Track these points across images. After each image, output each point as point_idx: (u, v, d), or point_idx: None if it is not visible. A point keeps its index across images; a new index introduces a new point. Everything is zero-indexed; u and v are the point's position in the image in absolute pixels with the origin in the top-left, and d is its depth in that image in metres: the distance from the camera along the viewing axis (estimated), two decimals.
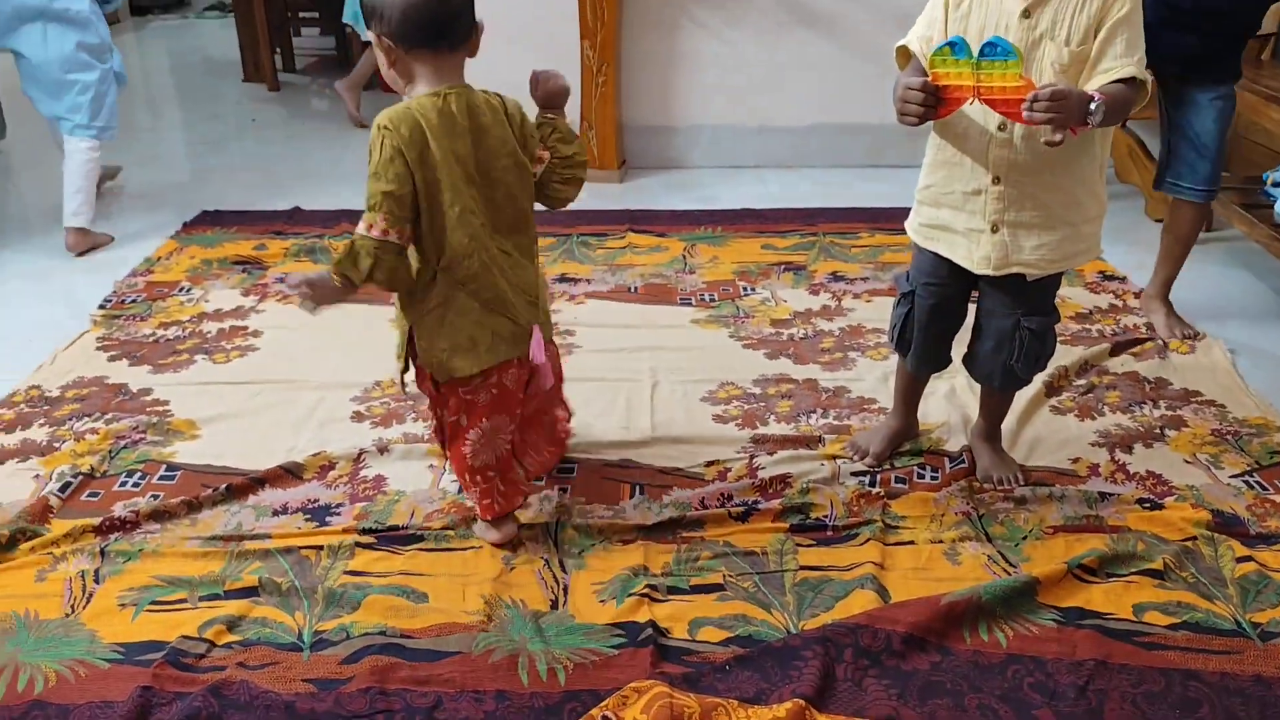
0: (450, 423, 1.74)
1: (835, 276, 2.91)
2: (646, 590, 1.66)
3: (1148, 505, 1.89)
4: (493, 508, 1.78)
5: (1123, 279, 2.87)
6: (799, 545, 1.79)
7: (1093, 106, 1.48)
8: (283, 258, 2.99)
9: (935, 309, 1.88)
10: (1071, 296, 2.73)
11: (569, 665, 1.52)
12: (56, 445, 2.07)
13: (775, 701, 1.44)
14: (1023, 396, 2.13)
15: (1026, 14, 1.60)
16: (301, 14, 5.86)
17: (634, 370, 2.39)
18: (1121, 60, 1.56)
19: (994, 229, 1.72)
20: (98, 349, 2.49)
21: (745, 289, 2.83)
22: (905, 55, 1.72)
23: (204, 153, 4.27)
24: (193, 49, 6.44)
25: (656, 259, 3.03)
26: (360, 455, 2.03)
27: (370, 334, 2.48)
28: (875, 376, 2.36)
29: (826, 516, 1.86)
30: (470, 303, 1.65)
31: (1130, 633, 1.58)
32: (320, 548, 1.76)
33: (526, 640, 1.57)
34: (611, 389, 2.31)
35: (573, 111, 3.68)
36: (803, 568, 1.73)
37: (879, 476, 1.98)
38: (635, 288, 2.84)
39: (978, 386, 2.01)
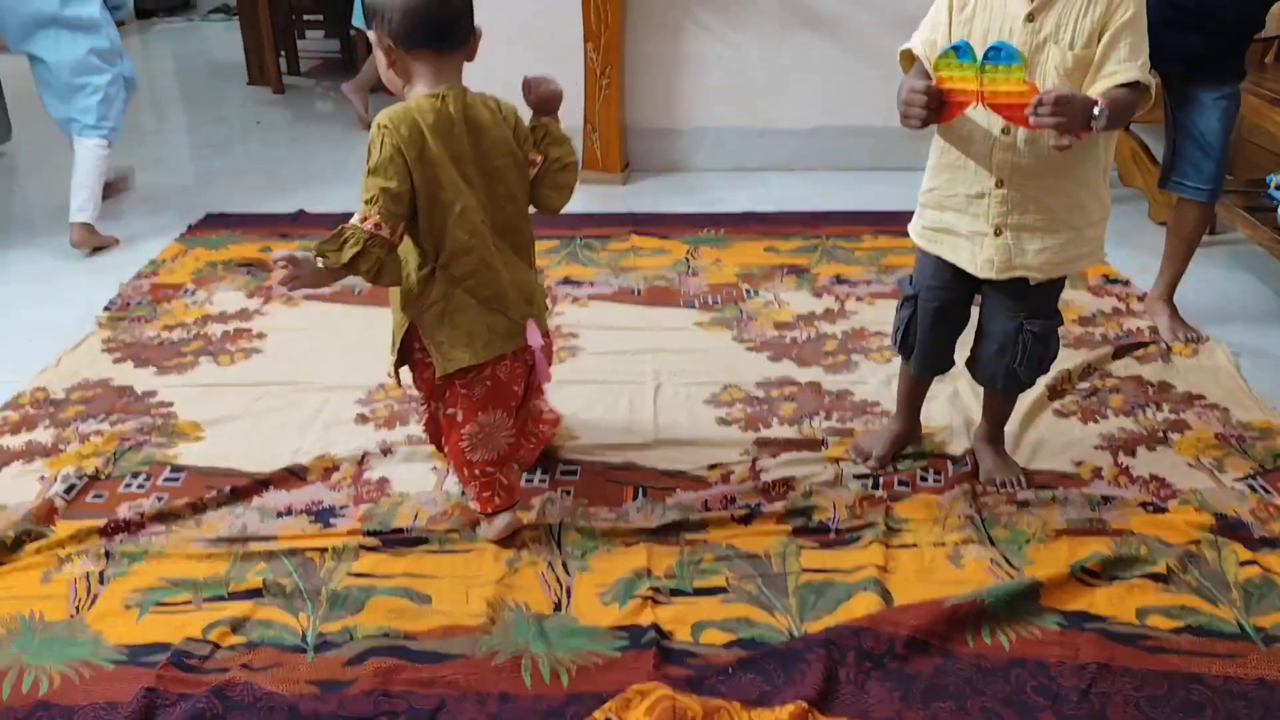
0: (447, 416, 1.76)
1: (838, 279, 2.91)
2: (649, 593, 1.66)
3: (1151, 509, 1.89)
4: (493, 500, 1.79)
5: (1126, 282, 2.87)
6: (802, 548, 1.79)
7: (1096, 111, 1.48)
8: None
9: (938, 312, 1.88)
10: (1074, 300, 2.73)
11: (572, 668, 1.52)
12: (61, 447, 2.08)
13: (778, 704, 1.44)
14: (1025, 399, 2.13)
15: (1030, 18, 1.60)
16: (306, 17, 5.88)
17: (637, 373, 2.39)
18: (1125, 64, 1.56)
19: (997, 232, 1.72)
20: (103, 351, 2.49)
21: (748, 291, 2.84)
22: (909, 59, 1.73)
23: (209, 155, 4.28)
24: (197, 52, 6.46)
25: (660, 261, 3.04)
26: (364, 457, 2.03)
27: (374, 336, 2.47)
28: (878, 379, 2.36)
29: (829, 519, 1.86)
30: (468, 299, 1.68)
31: (1133, 636, 1.58)
32: (325, 549, 1.77)
33: (530, 642, 1.57)
34: (614, 391, 2.31)
35: (576, 114, 3.70)
36: (806, 570, 1.73)
37: (882, 479, 1.99)
38: (638, 290, 2.85)
39: (980, 389, 2.01)
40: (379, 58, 1.64)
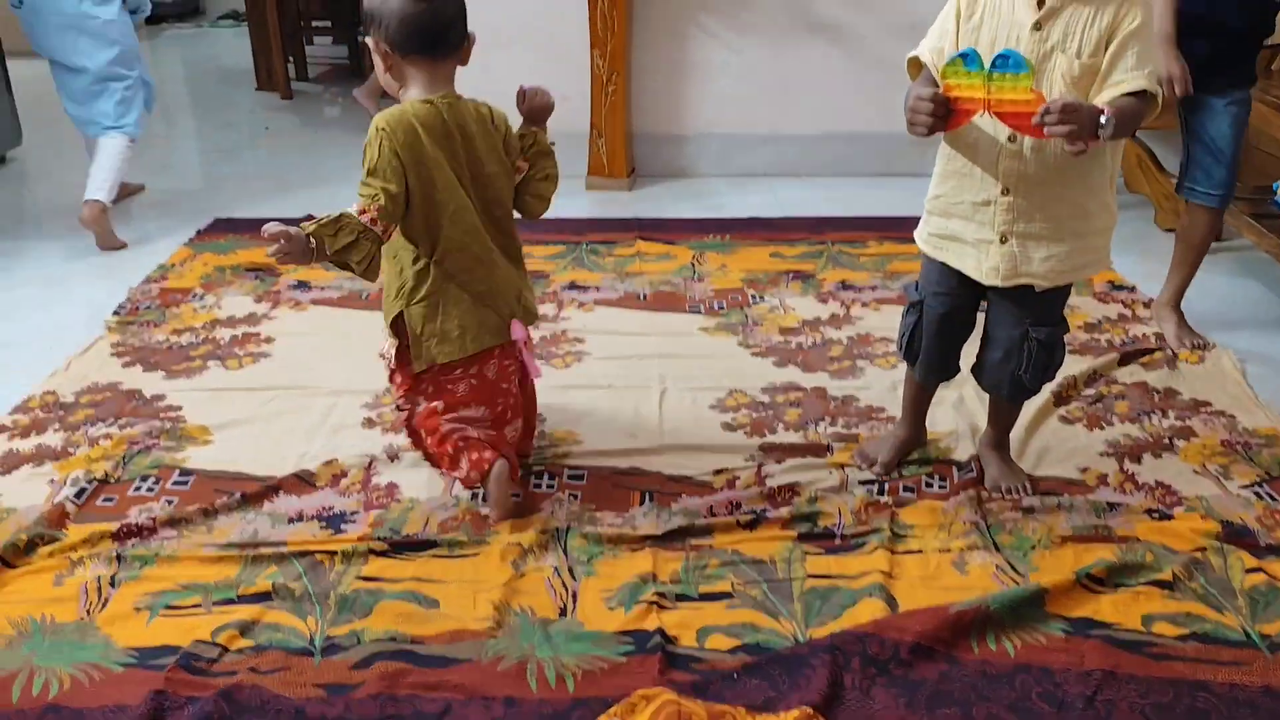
0: (429, 408, 1.83)
1: (844, 285, 2.91)
2: (655, 598, 1.67)
3: (1157, 515, 1.89)
4: (483, 463, 1.81)
5: (1132, 289, 2.87)
6: (807, 553, 1.79)
7: (1103, 120, 1.49)
8: (295, 265, 3.01)
9: (944, 318, 1.88)
10: (1080, 306, 2.73)
11: (577, 672, 1.53)
12: (71, 450, 2.09)
13: (783, 709, 1.44)
14: (1031, 406, 2.13)
15: (1038, 26, 1.60)
16: (314, 23, 5.90)
17: (643, 378, 2.40)
18: (1132, 73, 1.56)
19: (1003, 240, 1.72)
20: (112, 355, 2.51)
21: (754, 297, 2.84)
22: (917, 66, 1.73)
23: (217, 161, 4.30)
24: (206, 57, 6.49)
25: (665, 267, 3.04)
26: (371, 463, 2.04)
27: (380, 341, 2.49)
28: (884, 385, 2.36)
29: (835, 525, 1.87)
30: (461, 293, 1.77)
31: (1139, 643, 1.58)
32: (334, 553, 1.77)
33: (535, 647, 1.58)
34: (620, 396, 2.32)
35: (582, 120, 3.71)
36: (811, 576, 1.74)
37: (887, 485, 1.99)
38: (644, 295, 2.86)
39: (986, 395, 2.01)
40: (377, 61, 1.73)
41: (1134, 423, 2.21)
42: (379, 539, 1.81)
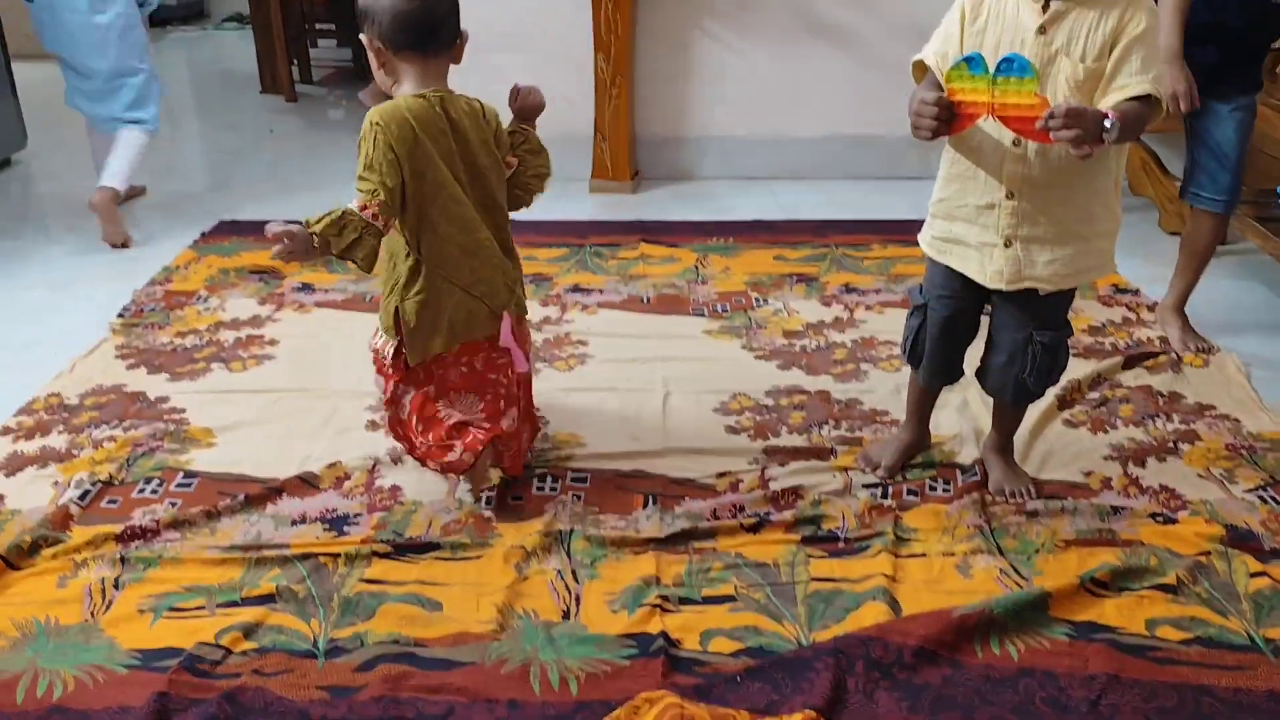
0: (421, 395, 1.86)
1: (847, 288, 2.91)
2: (658, 601, 1.67)
3: (1161, 519, 1.89)
4: (478, 444, 1.84)
5: (1136, 292, 2.87)
6: (810, 557, 1.79)
7: (1107, 124, 1.49)
8: (299, 268, 3.02)
9: (948, 322, 1.88)
10: (1084, 309, 2.73)
11: (581, 675, 1.53)
12: (75, 452, 2.10)
13: (786, 713, 1.44)
14: (1035, 409, 2.13)
15: (1042, 30, 1.60)
16: (318, 26, 5.92)
17: (646, 380, 2.40)
18: (1137, 77, 1.56)
19: (1007, 243, 1.72)
20: (116, 357, 2.51)
21: (757, 300, 2.84)
22: (921, 69, 1.73)
23: (222, 163, 4.31)
24: (211, 60, 6.51)
25: (669, 270, 3.05)
26: (374, 465, 2.05)
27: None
28: (887, 388, 2.36)
29: (838, 528, 1.86)
30: (452, 287, 1.79)
31: (1143, 647, 1.58)
32: (338, 555, 1.78)
33: (538, 650, 1.58)
34: (623, 399, 2.32)
35: (586, 123, 3.72)
36: (814, 579, 1.74)
37: (891, 489, 1.99)
38: (648, 298, 2.86)
39: (990, 399, 2.01)
40: (371, 58, 1.76)
41: (1138, 426, 2.21)
42: (382, 541, 1.81)
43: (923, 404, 2.05)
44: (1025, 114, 1.53)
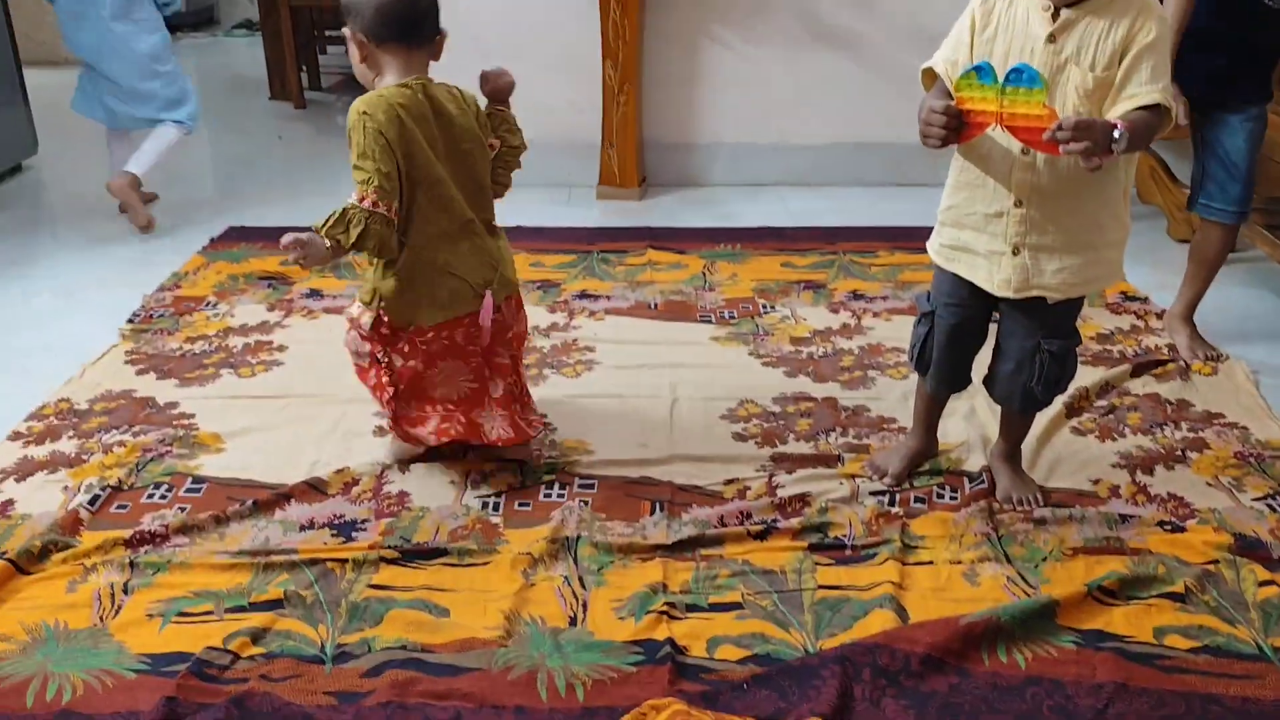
0: (408, 368, 1.92)
1: (855, 295, 2.91)
2: (665, 608, 1.67)
3: (1169, 528, 1.88)
4: (449, 431, 1.96)
5: (1144, 299, 2.87)
6: (818, 564, 1.79)
7: (1116, 135, 1.48)
8: (308, 273, 3.03)
9: (955, 329, 1.88)
10: (1092, 317, 2.73)
11: (587, 682, 1.53)
12: (85, 457, 2.10)
13: None
14: (1043, 417, 2.13)
15: (1052, 38, 1.60)
16: (327, 32, 5.94)
17: (653, 387, 2.40)
18: (1146, 87, 1.56)
19: (1015, 251, 1.72)
20: (126, 362, 2.52)
21: (765, 307, 2.85)
22: (931, 77, 1.74)
23: (231, 169, 4.33)
24: (221, 66, 6.54)
25: (676, 276, 3.05)
26: (382, 471, 2.05)
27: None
28: (895, 396, 2.36)
29: (845, 536, 1.86)
30: (433, 266, 1.86)
31: (1151, 656, 1.58)
32: (345, 561, 1.78)
33: (545, 656, 1.58)
34: (631, 405, 2.32)
35: (593, 130, 3.73)
36: (821, 587, 1.74)
37: (898, 496, 1.99)
38: (655, 304, 2.86)
39: (997, 406, 2.01)
40: (352, 52, 1.83)
41: (1146, 434, 2.20)
42: (390, 547, 1.82)
43: (930, 411, 2.05)
44: (1034, 124, 1.53)
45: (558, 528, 1.87)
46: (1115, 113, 1.56)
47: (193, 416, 2.27)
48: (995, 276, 1.75)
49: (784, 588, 1.74)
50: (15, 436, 2.19)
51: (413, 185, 1.81)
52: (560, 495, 1.99)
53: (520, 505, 1.96)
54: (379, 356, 1.93)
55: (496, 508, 1.95)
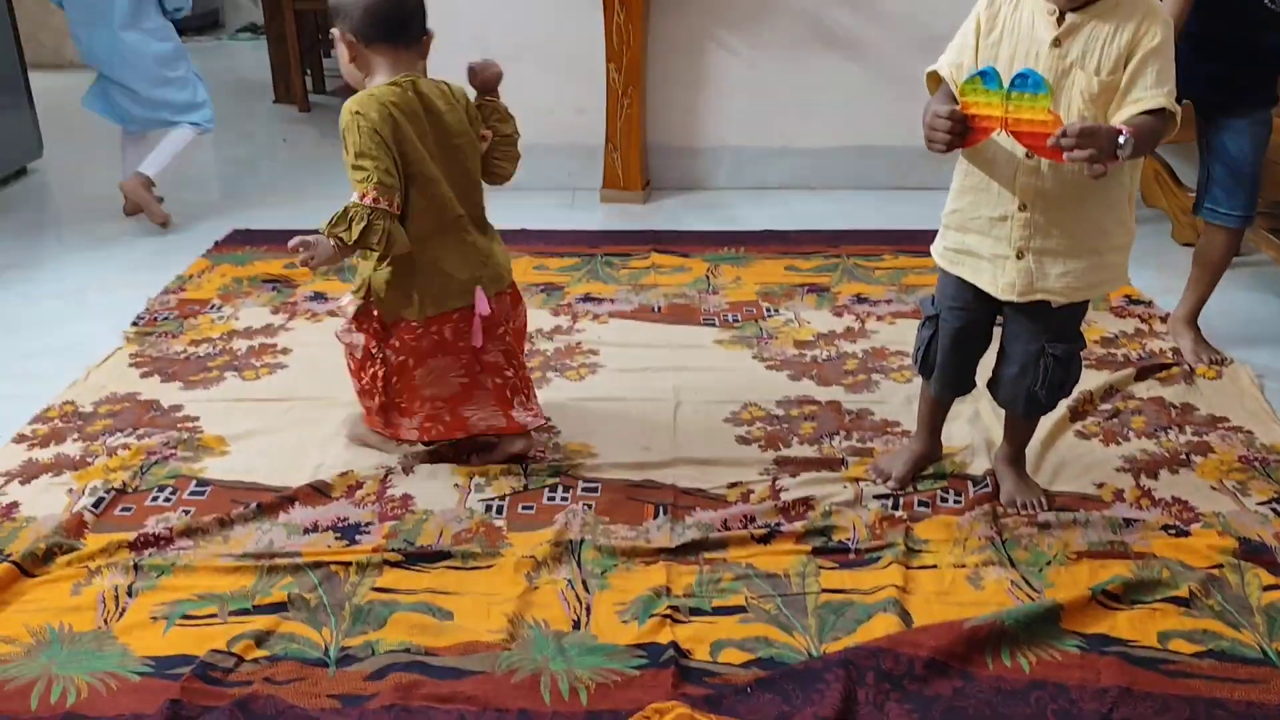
0: (398, 363, 1.95)
1: (859, 298, 2.91)
2: (668, 611, 1.67)
3: (1173, 532, 1.88)
4: (432, 431, 2.01)
5: (1149, 303, 2.86)
6: (821, 568, 1.79)
7: (1122, 140, 1.48)
8: (312, 276, 3.03)
9: (960, 333, 1.88)
10: (1097, 320, 2.72)
11: (591, 685, 1.53)
12: (89, 460, 2.11)
13: None
14: (1047, 421, 2.13)
15: (1057, 43, 1.60)
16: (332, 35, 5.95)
17: (657, 390, 2.40)
18: (1152, 91, 1.55)
19: (1019, 255, 1.72)
20: (130, 365, 2.53)
21: (768, 310, 2.85)
22: (936, 80, 1.73)
23: (235, 172, 4.34)
24: (225, 69, 6.54)
25: (680, 279, 3.05)
26: (386, 474, 2.05)
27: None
28: (899, 399, 2.36)
29: (849, 539, 1.86)
30: (424, 260, 1.88)
31: (1155, 660, 1.57)
32: (349, 564, 1.78)
33: (549, 659, 1.58)
34: (634, 409, 2.32)
35: (597, 133, 3.73)
36: (825, 590, 1.74)
37: (902, 500, 1.98)
38: (659, 308, 2.86)
39: (1001, 410, 2.01)
40: (341, 52, 1.86)
41: (1151, 438, 2.20)
42: (393, 550, 1.82)
43: (934, 415, 2.05)
44: (1038, 130, 1.53)
45: (561, 531, 1.87)
46: (1120, 117, 1.56)
47: (197, 419, 2.28)
48: (1000, 280, 1.75)
49: (787, 591, 1.73)
50: (20, 439, 2.19)
51: (406, 182, 1.83)
52: (564, 498, 1.99)
53: (524, 508, 1.96)
54: (374, 351, 1.96)
55: (500, 511, 1.95)
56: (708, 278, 3.06)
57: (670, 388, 2.41)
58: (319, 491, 1.99)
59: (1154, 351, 2.58)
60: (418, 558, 1.81)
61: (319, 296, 2.92)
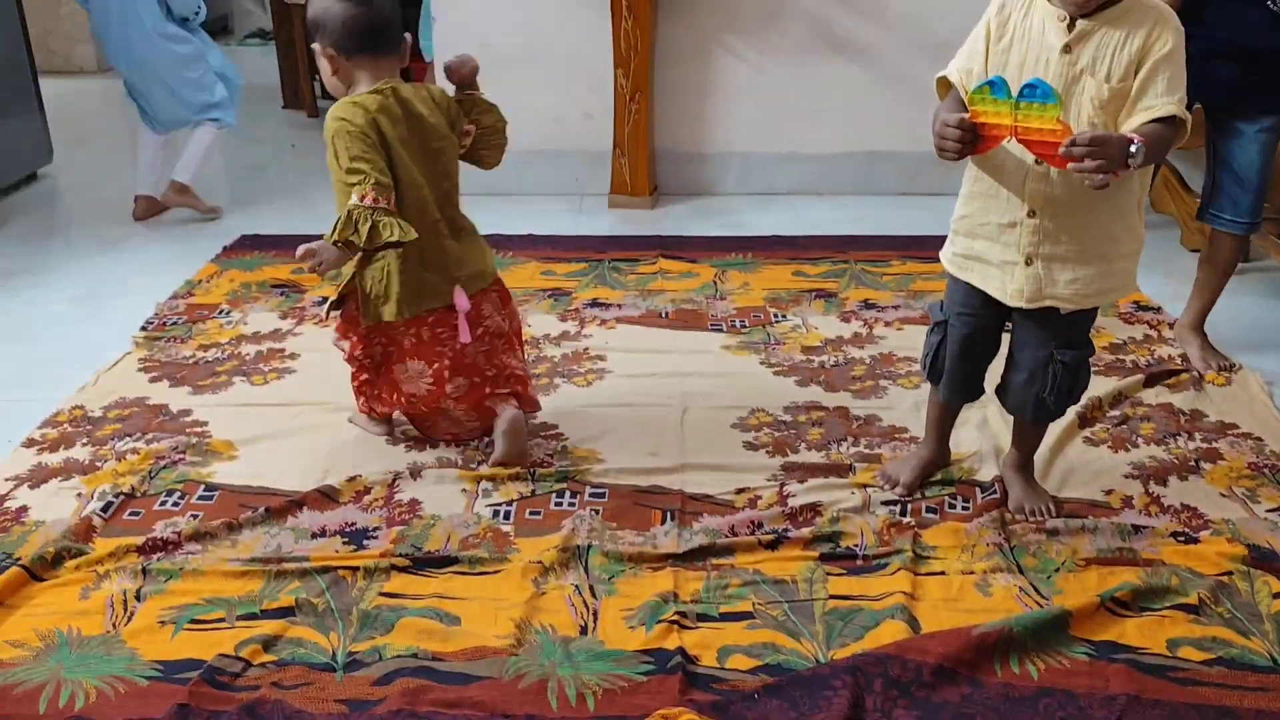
0: (388, 353, 2.07)
1: (866, 304, 2.91)
2: (676, 617, 1.67)
3: (1182, 539, 1.87)
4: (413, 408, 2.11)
5: (1157, 309, 2.86)
6: (829, 574, 1.79)
7: (1133, 149, 1.48)
8: (320, 281, 3.04)
9: (968, 339, 1.88)
10: (1105, 326, 2.72)
11: (598, 691, 1.53)
12: (98, 465, 2.12)
13: None
14: (1056, 427, 2.12)
15: (1067, 49, 1.60)
16: None
17: (664, 396, 2.40)
18: (1162, 99, 1.55)
19: (1028, 262, 1.72)
20: (139, 370, 2.54)
21: (776, 315, 2.84)
22: (945, 85, 1.73)
23: (244, 177, 4.35)
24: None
25: (688, 285, 3.05)
26: (394, 479, 2.06)
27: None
28: (907, 405, 2.36)
29: (857, 545, 1.86)
30: (404, 262, 1.93)
31: (1164, 668, 1.57)
32: (357, 569, 1.78)
33: (556, 665, 1.58)
34: (642, 414, 2.32)
35: (605, 138, 3.73)
36: (832, 597, 1.73)
37: (910, 506, 1.98)
38: (666, 313, 2.86)
39: (1010, 416, 2.00)
40: (323, 66, 1.91)
41: (1159, 445, 2.19)
42: (401, 555, 1.82)
43: (942, 421, 2.05)
44: (1048, 139, 1.53)
45: (568, 536, 1.87)
46: (1131, 125, 1.56)
47: (205, 424, 2.28)
48: (1008, 286, 1.75)
49: (795, 597, 1.73)
50: (29, 443, 2.20)
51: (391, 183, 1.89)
52: (571, 504, 1.99)
53: (531, 514, 1.96)
54: (358, 355, 2.06)
55: (508, 516, 1.95)
56: (715, 283, 3.06)
57: (677, 393, 2.41)
58: (327, 496, 2.00)
59: (1163, 357, 2.58)
60: (425, 563, 1.81)
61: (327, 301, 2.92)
